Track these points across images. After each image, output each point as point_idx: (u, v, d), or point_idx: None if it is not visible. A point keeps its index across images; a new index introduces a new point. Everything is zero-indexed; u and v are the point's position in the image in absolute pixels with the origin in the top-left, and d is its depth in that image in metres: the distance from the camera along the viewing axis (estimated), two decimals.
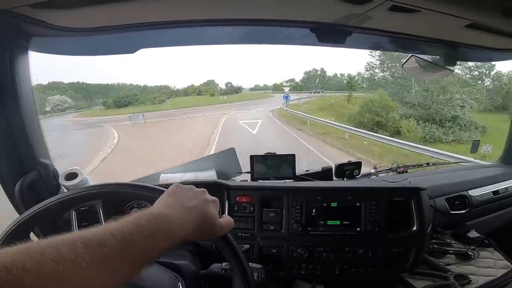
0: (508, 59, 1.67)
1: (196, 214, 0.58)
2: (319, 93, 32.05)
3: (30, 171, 1.16)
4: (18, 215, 0.78)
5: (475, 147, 1.96)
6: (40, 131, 1.23)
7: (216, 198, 0.66)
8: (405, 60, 1.48)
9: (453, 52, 1.44)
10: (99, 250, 0.41)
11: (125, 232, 0.44)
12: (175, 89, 31.13)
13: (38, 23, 0.96)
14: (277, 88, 35.04)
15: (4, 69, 1.00)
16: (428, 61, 1.47)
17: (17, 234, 0.75)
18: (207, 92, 31.68)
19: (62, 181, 1.25)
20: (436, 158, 6.04)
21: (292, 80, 36.40)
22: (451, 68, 1.51)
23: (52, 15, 0.96)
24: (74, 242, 0.40)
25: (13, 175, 1.13)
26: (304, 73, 37.19)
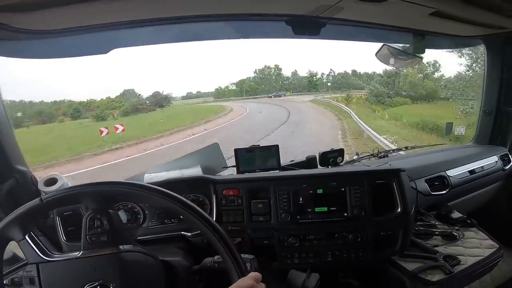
0: (473, 45, 1.76)
1: None
2: (281, 96, 27.25)
3: (7, 179, 1.14)
4: None
5: (449, 130, 2.03)
6: (14, 138, 1.20)
7: None
8: (377, 50, 1.53)
9: (421, 40, 1.51)
10: None
11: None
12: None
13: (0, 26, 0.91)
14: (221, 94, 28.28)
15: None
16: (399, 49, 1.52)
17: None
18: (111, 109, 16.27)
19: (41, 187, 1.21)
20: None
21: (243, 81, 29.42)
22: (420, 55, 1.57)
23: (15, 17, 0.92)
24: None
25: None
26: (256, 72, 30.06)
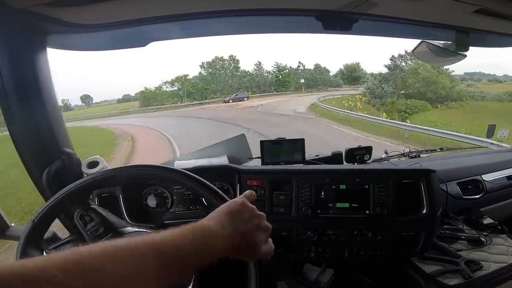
0: None
1: (243, 239, 0.60)
2: (243, 100, 21.35)
3: (55, 160, 1.23)
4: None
5: (491, 132, 1.91)
6: (63, 122, 1.30)
7: (269, 226, 0.67)
8: (415, 46, 1.47)
9: (465, 37, 1.42)
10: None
11: (177, 241, 0.49)
12: None
13: (53, 20, 1.01)
14: (149, 98, 21.73)
15: (26, 66, 1.07)
16: (440, 46, 1.44)
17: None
18: None
19: (84, 169, 1.31)
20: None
21: (184, 78, 21.96)
22: (464, 53, 1.48)
23: (66, 12, 1.01)
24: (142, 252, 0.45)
25: (39, 164, 1.20)
26: (202, 67, 23.05)
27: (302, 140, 1.49)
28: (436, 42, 1.45)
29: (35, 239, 0.79)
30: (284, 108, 18.25)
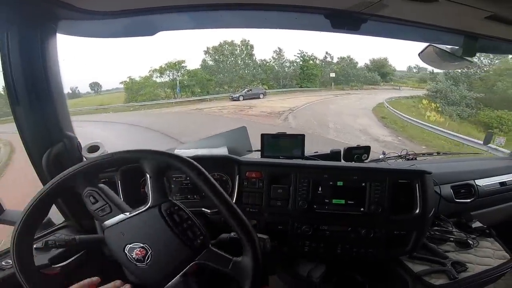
0: None
1: None
2: (258, 97, 15.95)
3: (56, 143, 1.23)
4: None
5: (488, 139, 1.93)
6: (67, 106, 1.30)
7: None
8: (422, 49, 1.46)
9: (473, 43, 1.41)
10: None
11: None
12: None
13: (65, 6, 1.01)
14: (134, 90, 16.81)
15: (35, 51, 1.07)
16: (446, 51, 1.44)
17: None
18: None
19: (84, 153, 1.30)
20: None
21: (179, 65, 17.06)
22: (470, 59, 1.48)
23: None
24: None
25: (40, 145, 1.21)
26: (207, 53, 17.94)
27: (303, 135, 1.51)
28: (443, 47, 1.45)
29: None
30: (343, 124, 11.84)
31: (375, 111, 13.84)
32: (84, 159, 1.34)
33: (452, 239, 1.46)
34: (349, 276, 1.39)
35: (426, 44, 1.43)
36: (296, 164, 1.33)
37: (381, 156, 1.76)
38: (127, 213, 0.81)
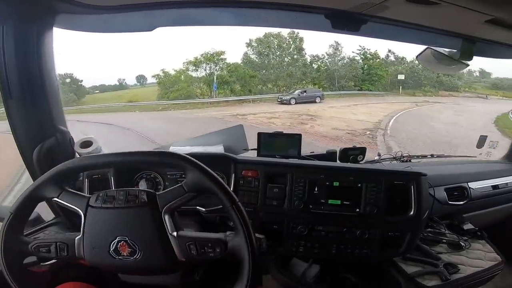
0: None
1: None
2: (314, 101, 13.53)
3: (49, 137, 1.22)
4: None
5: (481, 142, 1.95)
6: (60, 100, 1.29)
7: None
8: (419, 52, 1.47)
9: (470, 46, 1.42)
10: None
11: None
12: None
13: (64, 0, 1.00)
14: (170, 84, 14.84)
15: (31, 43, 1.06)
16: (444, 54, 1.45)
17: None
18: None
19: (77, 148, 1.30)
20: None
21: (217, 56, 14.77)
22: (466, 62, 1.49)
23: None
24: None
25: (32, 139, 1.19)
26: (250, 45, 15.62)
27: (299, 135, 1.51)
28: (441, 49, 1.45)
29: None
30: None
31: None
32: (77, 155, 1.33)
33: (444, 240, 1.48)
34: (343, 277, 1.40)
35: (424, 46, 1.44)
36: (292, 164, 1.32)
37: (376, 158, 1.77)
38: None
